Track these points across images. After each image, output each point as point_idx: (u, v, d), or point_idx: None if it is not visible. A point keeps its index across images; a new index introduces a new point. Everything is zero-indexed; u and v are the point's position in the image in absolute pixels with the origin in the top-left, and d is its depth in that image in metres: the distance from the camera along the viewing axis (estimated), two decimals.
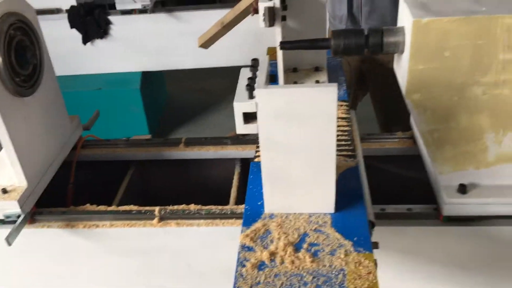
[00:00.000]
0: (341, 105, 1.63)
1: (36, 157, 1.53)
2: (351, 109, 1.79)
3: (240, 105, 1.05)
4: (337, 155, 1.39)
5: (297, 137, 1.07)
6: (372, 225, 1.31)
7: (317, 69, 1.80)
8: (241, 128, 1.08)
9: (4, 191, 1.46)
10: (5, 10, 1.39)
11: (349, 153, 1.40)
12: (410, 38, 1.23)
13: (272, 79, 1.17)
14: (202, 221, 1.46)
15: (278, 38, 1.58)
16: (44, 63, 1.57)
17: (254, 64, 1.12)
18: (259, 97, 1.03)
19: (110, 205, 1.62)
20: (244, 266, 1.05)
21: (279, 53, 1.63)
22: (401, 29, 1.30)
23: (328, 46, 1.35)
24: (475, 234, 1.37)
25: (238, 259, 1.07)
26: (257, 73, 1.09)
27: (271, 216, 1.19)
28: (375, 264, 1.03)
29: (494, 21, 1.18)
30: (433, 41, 1.22)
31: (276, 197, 1.17)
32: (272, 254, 1.08)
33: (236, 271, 1.04)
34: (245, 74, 1.12)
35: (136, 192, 1.88)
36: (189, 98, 4.48)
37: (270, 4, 1.51)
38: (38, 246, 1.51)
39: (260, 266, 1.05)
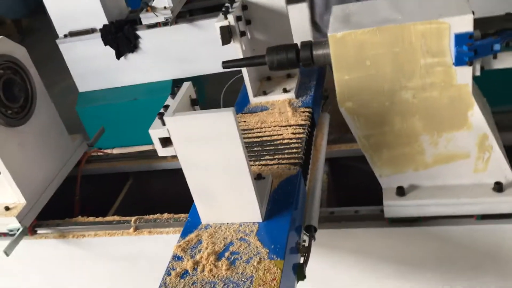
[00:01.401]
0: (303, 112, 1.69)
1: (33, 177, 1.75)
2: (323, 113, 1.85)
3: (155, 132, 1.17)
4: (283, 163, 1.47)
5: (210, 157, 1.17)
6: (314, 229, 1.38)
7: (288, 76, 1.87)
8: (161, 151, 1.20)
9: (7, 208, 1.70)
10: None
11: (296, 160, 1.47)
12: (331, 52, 1.28)
13: (195, 102, 1.27)
14: (170, 229, 1.60)
15: (238, 54, 1.68)
16: (35, 94, 1.79)
17: (173, 92, 1.23)
18: (168, 124, 1.14)
19: (108, 213, 1.82)
20: (169, 275, 1.18)
21: (240, 55, 1.70)
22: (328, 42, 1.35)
23: (264, 63, 1.43)
24: (419, 234, 1.39)
25: (166, 268, 1.20)
26: (173, 100, 1.20)
27: (207, 226, 1.30)
28: (282, 270, 1.12)
29: (406, 29, 1.20)
30: (352, 52, 1.26)
31: (208, 209, 1.28)
32: (196, 263, 1.19)
33: (162, 280, 1.17)
34: (167, 101, 1.24)
35: (134, 200, 2.07)
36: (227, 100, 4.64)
37: (224, 23, 1.61)
38: (36, 255, 1.74)
39: (183, 274, 1.17)
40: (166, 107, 1.18)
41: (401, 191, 1.35)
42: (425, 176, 1.36)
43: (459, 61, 1.19)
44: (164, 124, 1.16)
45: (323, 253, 1.47)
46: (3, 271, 1.81)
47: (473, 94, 1.25)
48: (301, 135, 1.58)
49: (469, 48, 1.17)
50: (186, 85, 1.25)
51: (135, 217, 1.65)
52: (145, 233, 1.61)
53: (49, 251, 1.74)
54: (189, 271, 1.18)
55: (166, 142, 1.19)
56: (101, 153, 2.17)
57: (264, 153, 1.54)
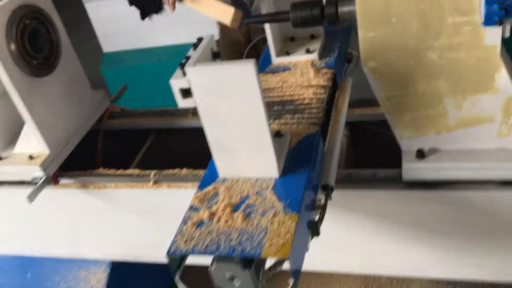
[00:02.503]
0: (326, 73, 1.66)
1: (57, 128, 1.79)
2: (347, 76, 1.82)
3: (176, 82, 1.17)
4: (302, 122, 1.47)
5: (229, 110, 1.17)
6: (331, 189, 1.38)
7: (312, 37, 1.84)
8: (181, 102, 1.21)
9: (31, 157, 1.74)
10: (19, 3, 1.63)
11: (316, 120, 1.46)
12: (357, 7, 1.25)
13: (216, 55, 1.26)
14: (189, 183, 1.62)
15: (264, 8, 1.65)
16: (60, 46, 1.80)
17: (196, 43, 1.23)
18: (189, 74, 1.14)
19: (129, 167, 1.86)
20: (186, 223, 1.20)
21: (267, 24, 1.69)
22: None
23: (287, 19, 1.41)
24: (437, 199, 1.37)
25: (183, 217, 1.22)
26: (194, 51, 1.20)
27: (224, 180, 1.31)
28: (296, 224, 1.12)
29: None
30: (378, 8, 1.23)
31: (225, 163, 1.29)
32: (212, 214, 1.21)
33: (178, 228, 1.19)
34: (189, 53, 1.24)
35: (155, 156, 2.10)
36: None
37: None
38: (59, 203, 1.79)
39: (199, 224, 1.19)
40: (188, 58, 1.18)
41: (421, 154, 1.34)
42: (447, 140, 1.34)
43: (488, 21, 1.15)
44: (185, 74, 1.16)
45: (339, 213, 1.47)
46: (27, 218, 1.87)
47: (501, 56, 1.21)
48: (322, 96, 1.57)
49: (499, 7, 1.13)
50: (208, 37, 1.25)
51: (155, 171, 1.68)
52: (164, 187, 1.64)
53: (71, 201, 1.78)
54: (206, 221, 1.19)
55: (186, 93, 1.19)
56: (123, 109, 2.19)
57: (284, 112, 1.54)
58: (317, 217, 1.30)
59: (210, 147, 1.27)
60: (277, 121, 1.50)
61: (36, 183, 1.70)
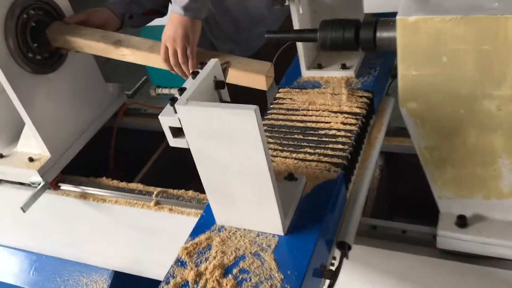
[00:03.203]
0: (361, 96, 1.41)
1: (60, 130, 1.64)
2: (387, 97, 1.56)
3: (165, 120, 0.97)
4: (323, 161, 1.24)
5: (227, 156, 0.97)
6: (348, 247, 1.17)
7: None
8: (172, 142, 1.02)
9: (31, 159, 1.61)
10: None
11: (339, 160, 1.23)
12: (398, 39, 1.00)
13: (220, 85, 1.05)
14: (192, 210, 1.45)
15: (295, 21, 1.41)
16: None
17: (195, 72, 1.02)
18: (180, 113, 0.94)
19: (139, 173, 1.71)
20: (167, 283, 1.03)
21: (295, 20, 1.43)
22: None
23: (314, 39, 1.17)
24: (478, 274, 1.13)
25: (167, 274, 1.05)
26: (191, 82, 0.99)
27: (220, 229, 1.12)
28: None
29: (503, 22, 0.89)
30: (426, 43, 0.98)
31: (223, 211, 1.10)
32: (199, 275, 1.03)
33: (160, 286, 1.02)
34: (186, 82, 1.03)
35: (168, 161, 1.93)
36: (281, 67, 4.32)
37: None
38: (58, 208, 1.66)
39: (182, 286, 1.02)
40: (182, 90, 0.98)
41: (462, 221, 1.09)
42: (497, 207, 1.08)
43: None
44: (176, 112, 0.96)
45: (356, 270, 1.26)
46: (26, 221, 1.76)
47: None
48: (352, 127, 1.32)
49: None
50: (212, 63, 1.03)
51: (158, 190, 1.51)
52: (166, 210, 1.47)
53: (70, 208, 1.65)
54: (190, 283, 1.01)
55: (178, 132, 1.00)
56: (142, 105, 2.03)
57: (305, 143, 1.31)
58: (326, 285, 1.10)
59: (206, 192, 1.08)
60: (294, 155, 1.28)
61: (35, 187, 1.57)
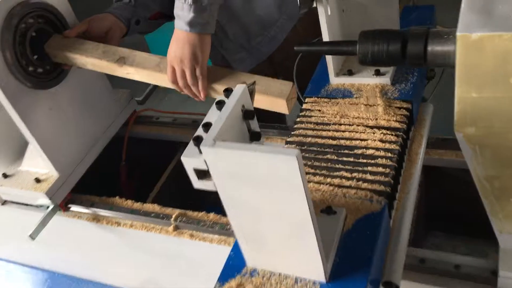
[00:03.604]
0: (400, 107, 1.27)
1: (68, 146, 1.52)
2: (425, 104, 1.42)
3: (189, 161, 0.84)
4: (362, 187, 1.11)
5: (261, 200, 0.84)
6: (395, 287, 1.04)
7: None
8: (197, 184, 0.88)
9: (37, 180, 1.49)
10: (17, 1, 1.31)
11: (382, 187, 1.09)
12: (457, 58, 0.85)
13: (249, 116, 0.91)
14: (215, 236, 1.32)
15: (323, 24, 1.26)
16: None
17: (220, 101, 0.88)
18: (206, 156, 0.81)
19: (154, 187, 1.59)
20: None
21: (323, 22, 1.28)
22: (455, 34, 0.90)
23: (353, 52, 1.02)
24: None
25: None
26: (217, 116, 0.85)
27: (253, 273, 0.99)
28: None
29: None
30: (491, 63, 0.82)
31: (255, 253, 0.97)
32: None
33: None
34: (210, 113, 0.89)
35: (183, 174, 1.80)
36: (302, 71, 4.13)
37: None
38: (69, 230, 1.54)
39: None
40: (207, 126, 0.84)
41: None
42: None
43: None
44: (201, 152, 0.82)
45: None
46: (35, 243, 1.65)
47: None
48: (392, 146, 1.18)
49: None
50: (239, 90, 0.89)
51: (177, 213, 1.39)
52: (186, 236, 1.35)
53: (82, 230, 1.54)
54: None
55: (204, 174, 0.86)
56: (154, 110, 1.89)
57: (340, 165, 1.18)
58: None
59: (235, 234, 0.95)
60: (328, 179, 1.14)
61: (43, 208, 1.46)
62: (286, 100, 1.18)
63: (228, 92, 0.90)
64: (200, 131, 0.85)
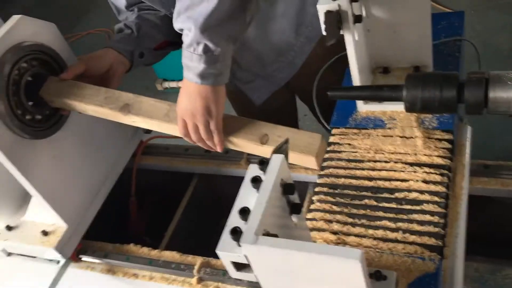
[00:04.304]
0: (441, 139, 1.15)
1: (74, 194, 1.40)
2: (462, 125, 1.29)
3: (226, 255, 0.72)
4: (410, 241, 0.99)
5: None
6: None
7: (416, 70, 1.29)
8: (235, 275, 0.77)
9: (45, 233, 1.37)
10: (8, 46, 1.18)
11: (433, 241, 0.98)
12: None
13: (290, 190, 0.79)
14: None
15: (350, 51, 1.13)
16: None
17: (255, 179, 0.75)
18: (247, 252, 0.69)
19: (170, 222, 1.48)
20: None
21: (351, 49, 1.15)
22: None
23: (398, 98, 0.89)
24: None
25: None
26: (256, 199, 0.73)
27: None
28: None
29: None
30: None
31: None
32: None
33: None
34: (245, 192, 0.76)
35: (200, 205, 1.69)
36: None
37: (332, 6, 1.05)
38: (82, 282, 1.43)
39: None
40: (244, 213, 0.72)
41: None
42: None
43: None
44: (240, 245, 0.70)
45: None
46: None
47: None
48: (438, 188, 1.06)
49: None
50: (277, 162, 0.76)
51: (199, 263, 1.27)
52: None
53: (97, 283, 1.42)
54: None
55: (243, 266, 0.75)
56: (161, 137, 1.76)
57: (380, 212, 1.06)
58: None
59: None
60: (370, 231, 1.03)
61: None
62: (316, 157, 1.06)
63: (263, 165, 0.77)
64: (235, 219, 0.73)
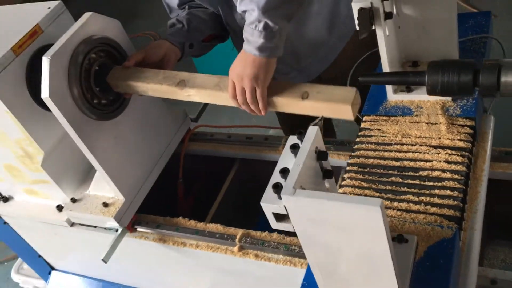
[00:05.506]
0: (463, 125, 1.26)
1: (131, 171, 1.57)
2: (485, 115, 1.39)
3: (268, 207, 0.87)
4: (431, 212, 1.11)
5: (340, 242, 0.86)
6: None
7: None
8: (275, 225, 0.91)
9: (105, 204, 1.55)
10: (81, 38, 1.36)
11: (451, 212, 1.10)
12: None
13: (323, 156, 0.92)
14: (280, 257, 1.36)
15: (380, 42, 1.26)
16: None
17: (294, 145, 0.89)
18: (287, 203, 0.83)
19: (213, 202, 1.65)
20: None
21: (382, 44, 1.27)
22: None
23: (421, 83, 1.02)
24: None
25: None
26: (294, 162, 0.87)
27: None
28: None
29: None
30: None
31: (330, 284, 1.00)
32: None
33: None
34: (285, 156, 0.91)
35: (241, 188, 1.84)
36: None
37: (365, 3, 1.18)
38: (136, 255, 1.61)
39: None
40: (284, 172, 0.86)
41: None
42: None
43: None
44: (280, 198, 0.85)
45: None
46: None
47: None
48: (458, 167, 1.18)
49: None
50: (312, 133, 0.90)
51: (241, 233, 1.42)
52: (251, 256, 1.39)
53: (151, 252, 1.60)
54: None
55: (282, 217, 0.89)
56: (207, 126, 1.92)
57: (405, 187, 1.18)
58: None
59: (311, 266, 0.98)
60: (395, 203, 1.15)
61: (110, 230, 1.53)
62: (351, 105, 1.16)
63: (301, 135, 0.91)
64: (277, 177, 0.87)
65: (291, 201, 0.82)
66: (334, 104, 1.21)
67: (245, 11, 1.21)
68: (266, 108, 1.31)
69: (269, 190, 0.87)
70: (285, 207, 0.85)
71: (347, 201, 0.77)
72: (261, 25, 1.17)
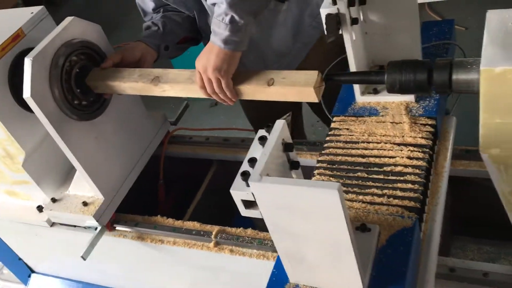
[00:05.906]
0: (425, 124, 1.34)
1: (111, 171, 1.62)
2: (448, 117, 1.48)
3: (237, 194, 0.93)
4: (393, 204, 1.18)
5: (304, 227, 0.92)
6: None
7: None
8: (244, 212, 0.97)
9: (85, 203, 1.59)
10: (63, 41, 1.42)
11: (412, 203, 1.17)
12: (481, 89, 0.92)
13: (289, 148, 0.99)
14: (254, 251, 1.41)
15: (347, 46, 1.34)
16: None
17: (262, 137, 0.96)
18: (253, 189, 0.90)
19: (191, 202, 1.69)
20: None
21: (349, 47, 1.34)
22: (477, 64, 0.97)
23: (381, 81, 1.10)
24: None
25: None
26: (261, 152, 0.94)
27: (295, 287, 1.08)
28: None
29: None
30: None
31: (298, 271, 1.06)
32: None
33: None
34: (253, 148, 0.98)
35: (218, 189, 1.89)
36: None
37: (332, 10, 1.26)
38: (114, 253, 1.65)
39: None
40: (252, 161, 0.93)
41: None
42: None
43: None
44: (248, 185, 0.91)
45: None
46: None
47: None
48: (419, 162, 1.26)
49: None
50: (279, 126, 0.97)
51: (216, 230, 1.48)
52: (226, 251, 1.44)
53: (129, 250, 1.64)
54: None
55: (250, 204, 0.95)
56: (186, 129, 1.98)
57: (370, 182, 1.26)
58: None
59: (279, 254, 1.04)
60: (360, 196, 1.22)
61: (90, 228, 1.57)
62: (314, 88, 1.22)
63: (269, 128, 0.98)
64: (246, 166, 0.94)
65: (258, 187, 0.88)
66: (299, 87, 1.25)
67: (214, 4, 1.28)
68: (234, 97, 1.36)
69: (238, 178, 0.93)
70: (252, 194, 0.91)
71: (308, 185, 0.83)
72: (227, 18, 1.24)
